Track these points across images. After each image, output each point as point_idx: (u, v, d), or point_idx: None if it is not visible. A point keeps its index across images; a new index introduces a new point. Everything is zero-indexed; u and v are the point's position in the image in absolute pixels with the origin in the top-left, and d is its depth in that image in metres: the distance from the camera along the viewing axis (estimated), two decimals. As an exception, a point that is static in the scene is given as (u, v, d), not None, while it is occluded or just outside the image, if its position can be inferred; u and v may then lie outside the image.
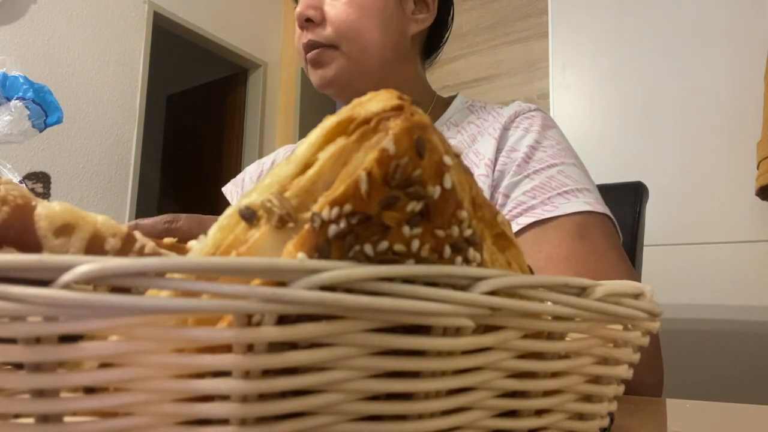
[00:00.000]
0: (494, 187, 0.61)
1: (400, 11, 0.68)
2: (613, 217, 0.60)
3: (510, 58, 2.77)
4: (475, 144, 0.65)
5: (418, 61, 0.74)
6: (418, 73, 0.74)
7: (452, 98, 0.75)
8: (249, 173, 0.87)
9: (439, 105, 0.74)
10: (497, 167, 0.62)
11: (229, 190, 0.87)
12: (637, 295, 0.23)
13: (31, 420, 0.15)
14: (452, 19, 0.77)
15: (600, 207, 0.58)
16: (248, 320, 0.15)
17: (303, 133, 3.48)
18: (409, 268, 0.17)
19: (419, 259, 0.18)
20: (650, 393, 0.53)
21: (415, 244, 0.18)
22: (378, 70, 0.68)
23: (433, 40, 0.76)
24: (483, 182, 0.61)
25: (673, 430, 0.34)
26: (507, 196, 0.60)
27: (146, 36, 2.92)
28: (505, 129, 0.64)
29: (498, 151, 0.63)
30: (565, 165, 0.60)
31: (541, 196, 0.58)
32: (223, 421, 0.15)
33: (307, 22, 0.67)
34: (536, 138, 0.62)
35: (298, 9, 0.67)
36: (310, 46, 0.67)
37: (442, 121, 0.71)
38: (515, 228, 0.57)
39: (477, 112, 0.71)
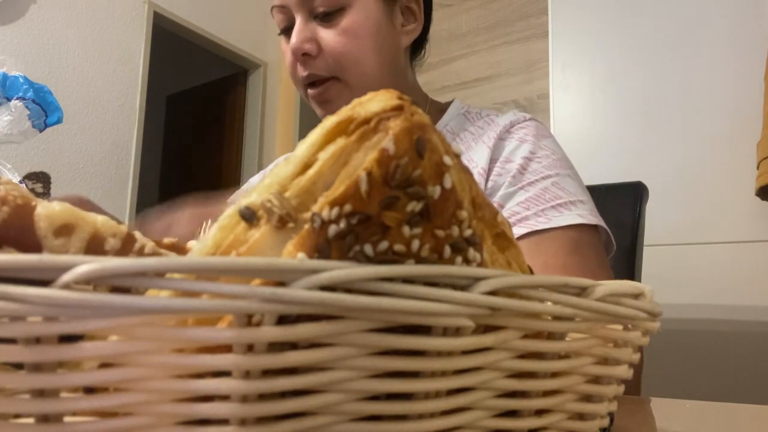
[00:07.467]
0: (487, 197, 0.61)
1: (391, 28, 0.67)
2: (606, 227, 0.61)
3: (510, 58, 2.77)
4: (470, 152, 0.65)
5: (409, 68, 0.73)
6: (409, 80, 0.73)
7: (448, 104, 0.74)
8: (252, 185, 0.87)
9: (434, 110, 0.73)
10: (491, 177, 0.62)
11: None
12: (637, 295, 0.23)
13: (31, 420, 0.15)
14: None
15: (593, 218, 0.59)
16: (248, 320, 0.15)
17: (303, 133, 3.47)
18: (409, 268, 0.17)
19: (419, 259, 0.18)
20: (629, 391, 0.53)
21: (415, 244, 0.18)
22: (377, 90, 0.67)
23: (416, 43, 0.74)
24: None
25: (672, 430, 0.34)
26: (501, 206, 0.60)
27: (146, 36, 2.91)
28: (500, 139, 0.64)
29: (492, 161, 0.63)
30: (559, 176, 0.61)
31: (535, 207, 0.58)
32: (223, 421, 0.15)
33: (303, 56, 0.65)
34: (531, 149, 0.63)
35: (293, 43, 0.64)
36: (310, 80, 0.66)
37: (438, 127, 0.71)
38: None
39: (473, 120, 0.70)
